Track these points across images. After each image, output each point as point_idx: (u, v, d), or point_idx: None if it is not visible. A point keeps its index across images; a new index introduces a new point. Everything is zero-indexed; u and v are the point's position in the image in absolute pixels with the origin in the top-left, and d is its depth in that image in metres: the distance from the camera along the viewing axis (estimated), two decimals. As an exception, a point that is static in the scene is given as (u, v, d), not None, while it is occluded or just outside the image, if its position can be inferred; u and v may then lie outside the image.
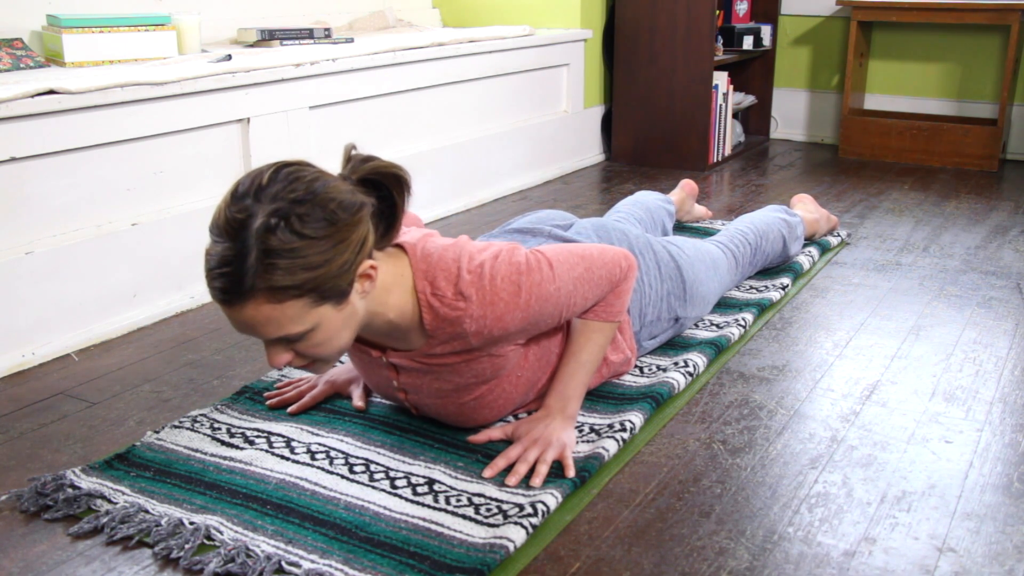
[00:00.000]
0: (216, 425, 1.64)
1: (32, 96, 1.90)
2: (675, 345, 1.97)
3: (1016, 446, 1.59)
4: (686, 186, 2.77)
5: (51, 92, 1.95)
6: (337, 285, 1.24)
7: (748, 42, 4.04)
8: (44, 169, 1.97)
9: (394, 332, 1.42)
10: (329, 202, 1.21)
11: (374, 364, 1.53)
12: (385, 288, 1.36)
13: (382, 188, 1.32)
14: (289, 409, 1.69)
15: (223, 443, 1.58)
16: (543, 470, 1.46)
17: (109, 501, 1.41)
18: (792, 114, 4.33)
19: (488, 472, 1.47)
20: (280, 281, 1.19)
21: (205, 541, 1.31)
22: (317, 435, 1.60)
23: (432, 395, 1.53)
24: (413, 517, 1.36)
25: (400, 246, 1.42)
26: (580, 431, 1.61)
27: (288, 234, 1.18)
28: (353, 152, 1.33)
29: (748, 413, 1.71)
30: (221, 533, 1.32)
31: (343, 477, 1.47)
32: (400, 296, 1.38)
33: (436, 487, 1.44)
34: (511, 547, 1.28)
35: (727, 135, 3.89)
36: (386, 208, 1.33)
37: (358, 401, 1.69)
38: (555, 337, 1.61)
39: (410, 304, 1.39)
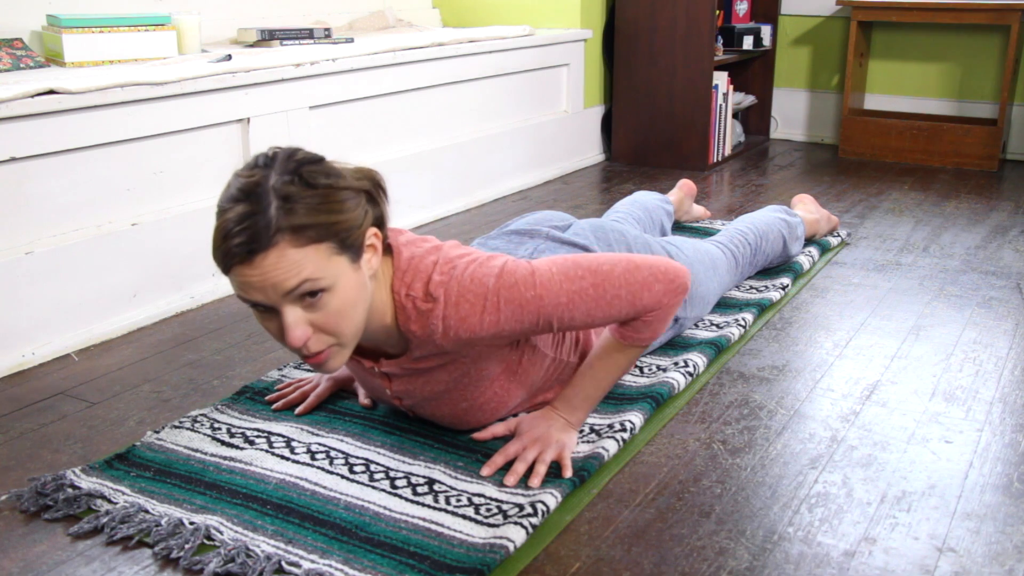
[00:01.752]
0: (216, 425, 1.64)
1: (32, 96, 1.90)
2: (675, 345, 1.97)
3: (1016, 446, 1.59)
4: (684, 186, 2.77)
5: (51, 92, 1.95)
6: (354, 236, 1.27)
7: (748, 42, 4.04)
8: (44, 169, 1.97)
9: (385, 334, 1.42)
10: (332, 169, 1.28)
11: (369, 374, 1.54)
12: (376, 284, 1.36)
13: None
14: (297, 410, 1.68)
15: (223, 443, 1.58)
16: (541, 470, 1.46)
17: (109, 501, 1.41)
18: (792, 114, 4.33)
19: (486, 469, 1.47)
20: (302, 219, 1.21)
21: (205, 541, 1.31)
22: (317, 435, 1.60)
23: (426, 398, 1.53)
24: (413, 517, 1.36)
25: (389, 246, 1.41)
26: (580, 431, 1.61)
27: (303, 185, 1.23)
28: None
29: (748, 413, 1.71)
30: (221, 533, 1.32)
31: (343, 477, 1.47)
32: (383, 297, 1.38)
33: (436, 487, 1.44)
34: (511, 547, 1.28)
35: (727, 135, 3.89)
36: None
37: (364, 399, 1.70)
38: (549, 342, 1.58)
39: (388, 304, 1.39)
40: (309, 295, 1.23)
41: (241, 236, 1.19)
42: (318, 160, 1.28)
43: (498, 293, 1.37)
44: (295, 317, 1.24)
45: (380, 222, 1.35)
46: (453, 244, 1.46)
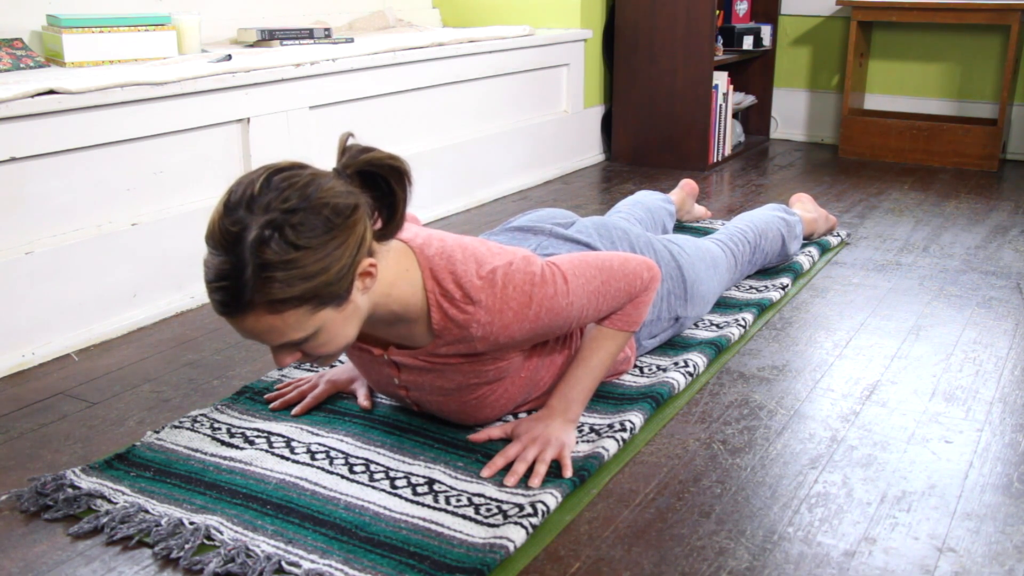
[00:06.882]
0: (216, 425, 1.64)
1: (32, 96, 1.90)
2: (675, 345, 1.97)
3: (1016, 446, 1.59)
4: (686, 186, 2.77)
5: (51, 92, 1.95)
6: (335, 291, 1.23)
7: (748, 42, 4.04)
8: (44, 169, 1.97)
9: (398, 324, 1.41)
10: (323, 208, 1.19)
11: (375, 363, 1.53)
12: (388, 282, 1.35)
13: (380, 179, 1.28)
14: (293, 411, 1.69)
15: (223, 443, 1.58)
16: (541, 470, 1.46)
17: (109, 501, 1.41)
18: (792, 114, 4.33)
19: (486, 471, 1.47)
20: (278, 294, 1.18)
21: (205, 541, 1.31)
22: (317, 435, 1.60)
23: (434, 392, 1.53)
24: (413, 517, 1.36)
25: (405, 243, 1.41)
26: (580, 431, 1.61)
27: (283, 245, 1.16)
28: (349, 143, 1.29)
29: (748, 413, 1.71)
30: (221, 533, 1.32)
31: (343, 477, 1.47)
32: (405, 290, 1.37)
33: (436, 487, 1.44)
34: (511, 547, 1.28)
35: (727, 135, 3.89)
36: (386, 200, 1.30)
37: (363, 401, 1.69)
38: (561, 338, 1.61)
39: (417, 299, 1.38)
40: (293, 343, 1.26)
41: (217, 294, 1.19)
42: (307, 204, 1.18)
43: (540, 303, 1.41)
44: (281, 351, 1.29)
45: (391, 214, 1.31)
46: (478, 241, 1.46)
